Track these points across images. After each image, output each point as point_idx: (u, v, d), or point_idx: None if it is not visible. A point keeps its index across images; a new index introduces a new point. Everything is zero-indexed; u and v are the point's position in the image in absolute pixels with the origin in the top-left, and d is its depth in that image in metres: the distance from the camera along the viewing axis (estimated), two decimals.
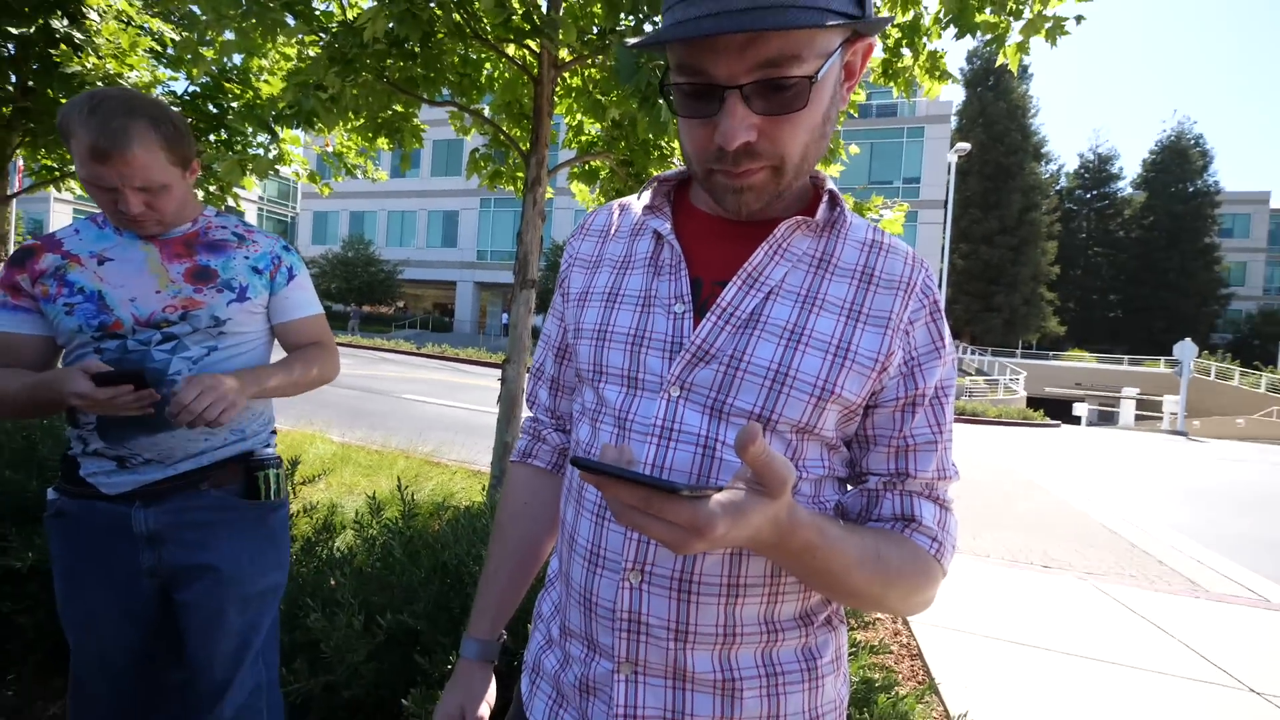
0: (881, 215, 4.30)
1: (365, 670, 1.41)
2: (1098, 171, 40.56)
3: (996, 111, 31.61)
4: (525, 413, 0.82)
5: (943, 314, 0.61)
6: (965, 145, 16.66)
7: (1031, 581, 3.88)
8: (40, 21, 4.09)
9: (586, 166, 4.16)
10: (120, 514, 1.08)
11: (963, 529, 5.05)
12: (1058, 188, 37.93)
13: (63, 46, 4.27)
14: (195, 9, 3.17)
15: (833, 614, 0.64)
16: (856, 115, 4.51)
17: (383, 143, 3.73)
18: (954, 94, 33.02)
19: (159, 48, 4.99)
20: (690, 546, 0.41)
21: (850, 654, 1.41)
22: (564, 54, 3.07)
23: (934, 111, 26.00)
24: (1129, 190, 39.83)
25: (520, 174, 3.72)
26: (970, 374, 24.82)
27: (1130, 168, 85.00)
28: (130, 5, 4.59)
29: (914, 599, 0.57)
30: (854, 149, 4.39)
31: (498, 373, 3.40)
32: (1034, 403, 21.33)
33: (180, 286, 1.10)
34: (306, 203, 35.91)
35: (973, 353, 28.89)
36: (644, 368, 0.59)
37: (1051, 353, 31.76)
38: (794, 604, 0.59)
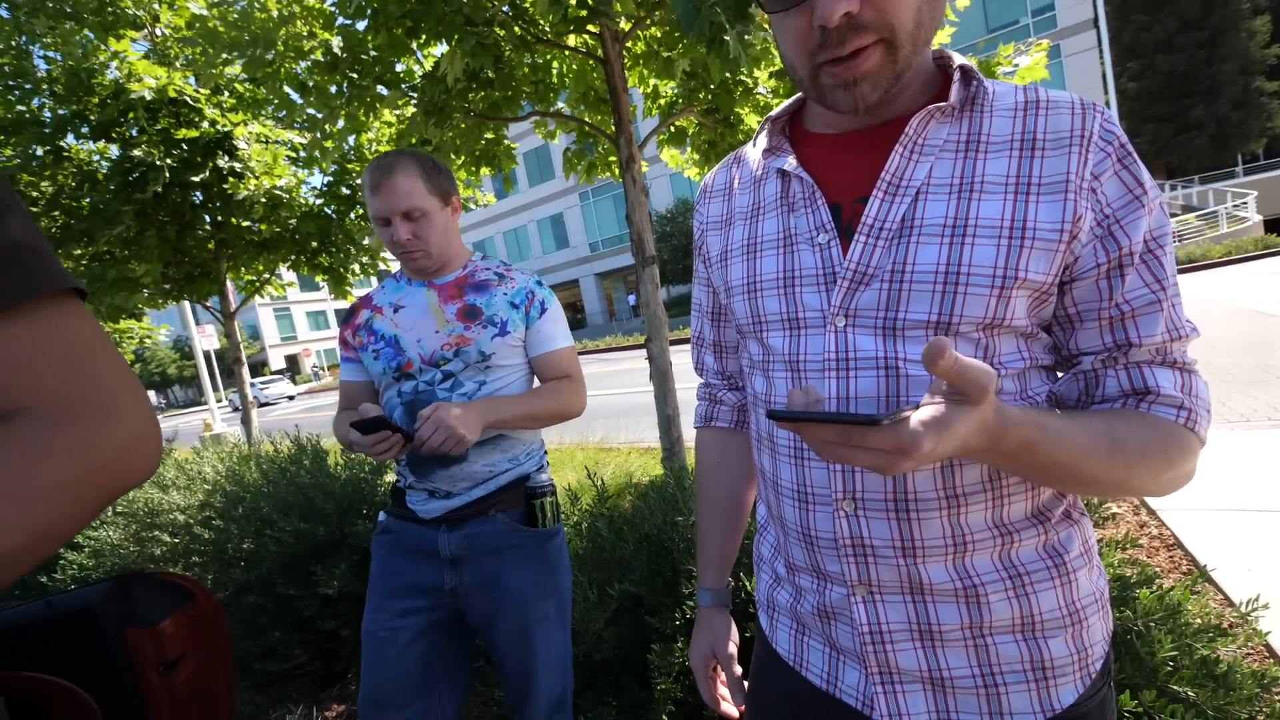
0: (1016, 66, 3.70)
1: (607, 635, 1.59)
2: None
3: None
4: (695, 381, 0.86)
5: (1134, 157, 0.53)
6: None
7: None
8: (212, 165, 4.96)
9: (672, 129, 4.10)
10: (430, 536, 1.23)
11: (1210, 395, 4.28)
12: None
13: (231, 179, 5.15)
14: (312, 111, 3.66)
15: (1070, 507, 0.60)
16: None
17: (486, 170, 4.00)
18: None
19: (292, 153, 5.81)
20: (900, 467, 0.41)
21: None
22: (623, 24, 3.04)
23: None
24: None
25: (613, 158, 3.78)
26: (1176, 214, 20.42)
27: None
28: (264, 126, 5.38)
29: (1166, 475, 0.52)
30: (961, 2, 3.81)
31: (638, 355, 3.53)
32: (1274, 225, 17.09)
33: (454, 325, 1.22)
34: None
35: (1174, 187, 23.47)
36: (802, 306, 0.59)
37: None
38: (1023, 504, 0.56)
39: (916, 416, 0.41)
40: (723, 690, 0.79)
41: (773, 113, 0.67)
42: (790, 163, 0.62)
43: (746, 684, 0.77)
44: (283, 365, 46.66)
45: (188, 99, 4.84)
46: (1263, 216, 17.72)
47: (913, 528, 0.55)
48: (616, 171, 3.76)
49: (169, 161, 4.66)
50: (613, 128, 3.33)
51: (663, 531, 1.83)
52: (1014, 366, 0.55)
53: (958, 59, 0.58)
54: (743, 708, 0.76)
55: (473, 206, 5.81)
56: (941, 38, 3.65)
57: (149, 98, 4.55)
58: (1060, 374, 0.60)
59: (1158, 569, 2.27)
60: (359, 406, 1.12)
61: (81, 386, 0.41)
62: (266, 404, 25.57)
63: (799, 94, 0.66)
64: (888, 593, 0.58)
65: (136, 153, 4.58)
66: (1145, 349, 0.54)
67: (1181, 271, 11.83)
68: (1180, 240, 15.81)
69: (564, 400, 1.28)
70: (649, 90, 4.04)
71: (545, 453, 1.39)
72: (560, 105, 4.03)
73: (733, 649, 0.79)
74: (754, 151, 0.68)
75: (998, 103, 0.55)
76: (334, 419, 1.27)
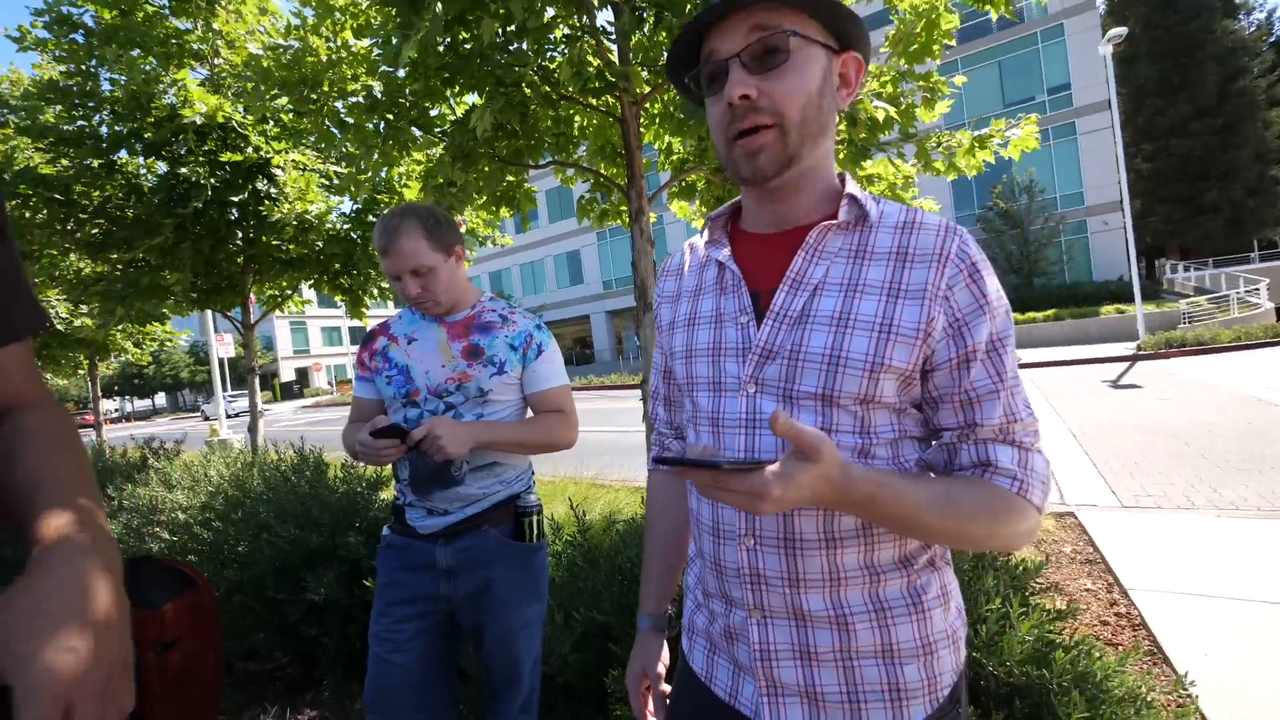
0: (1009, 138, 3.92)
1: (572, 660, 1.67)
2: None
3: None
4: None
5: (983, 273, 0.66)
6: (1121, 30, 13.83)
7: None
8: (251, 187, 5.27)
9: (683, 184, 4.33)
10: (428, 550, 1.37)
11: (1200, 480, 4.31)
12: (1271, 40, 29.64)
13: (267, 201, 5.46)
14: (349, 146, 3.93)
15: (936, 557, 0.72)
16: (955, 44, 4.14)
17: (505, 211, 4.24)
18: None
19: (325, 181, 6.15)
20: (760, 509, 0.54)
21: (1045, 621, 1.35)
22: (640, 91, 3.29)
23: (1070, 3, 22.30)
24: None
25: (624, 208, 4.01)
26: (1188, 295, 20.41)
27: None
28: (304, 155, 5.72)
29: (999, 532, 0.63)
30: (959, 79, 4.07)
31: (640, 393, 3.65)
32: None
33: (458, 362, 1.36)
34: None
35: (1186, 269, 23.53)
36: (724, 373, 0.73)
37: None
38: (891, 550, 0.68)
39: (770, 468, 0.54)
40: (651, 706, 0.89)
41: (713, 213, 0.82)
42: (724, 254, 0.77)
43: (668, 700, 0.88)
44: (293, 377, 47.16)
45: (235, 125, 5.18)
46: (1275, 304, 17.75)
47: (797, 563, 0.67)
48: (625, 221, 3.98)
49: (212, 181, 4.97)
50: (625, 180, 3.55)
51: (634, 565, 1.92)
52: (886, 436, 0.68)
53: (850, 185, 0.73)
54: None
55: (490, 245, 6.06)
56: (942, 109, 3.88)
57: (200, 122, 4.89)
58: (931, 444, 0.72)
59: (1110, 642, 2.31)
60: (374, 418, 1.27)
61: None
62: (235, 415, 26.83)
63: (738, 199, 0.82)
64: (776, 617, 0.69)
65: (183, 171, 4.89)
66: (988, 429, 0.66)
67: (1189, 354, 11.87)
68: (1190, 322, 15.76)
69: (554, 432, 1.42)
70: (664, 146, 4.30)
71: (533, 475, 1.53)
72: (580, 154, 4.30)
73: (662, 669, 0.89)
74: (701, 241, 0.83)
75: (884, 221, 0.70)
76: (344, 429, 1.42)
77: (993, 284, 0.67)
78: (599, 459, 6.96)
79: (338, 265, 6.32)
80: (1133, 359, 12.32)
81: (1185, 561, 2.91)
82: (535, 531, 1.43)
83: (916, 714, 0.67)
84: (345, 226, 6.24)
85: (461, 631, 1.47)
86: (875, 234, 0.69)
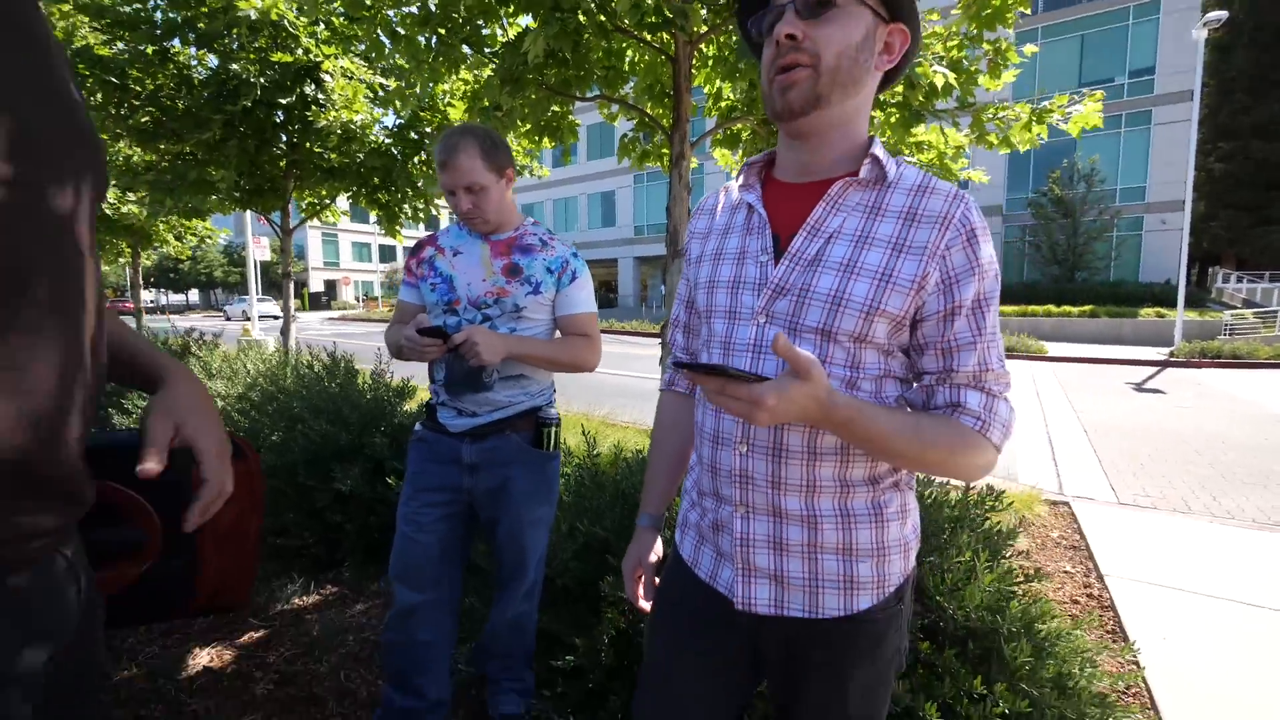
0: (1070, 114, 3.78)
1: (572, 566, 1.84)
2: None
3: None
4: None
5: (979, 239, 0.74)
6: (1220, 14, 12.63)
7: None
8: (299, 90, 5.29)
9: (728, 132, 4.27)
10: (455, 446, 1.52)
11: (1201, 488, 4.35)
12: None
13: (314, 107, 5.48)
14: (398, 58, 3.92)
15: (901, 481, 0.82)
16: (1035, 11, 3.90)
17: (547, 142, 4.23)
18: None
19: (371, 92, 6.12)
20: (756, 417, 0.63)
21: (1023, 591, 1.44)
22: (696, 30, 3.22)
23: None
24: None
25: (666, 150, 3.98)
26: (1235, 306, 19.36)
27: None
28: (352, 64, 5.69)
29: (957, 461, 0.73)
30: (1029, 49, 3.89)
31: (659, 344, 3.75)
32: None
33: (498, 278, 1.48)
34: None
35: (1239, 280, 22.22)
36: (740, 303, 0.82)
37: None
38: (862, 469, 0.78)
39: (769, 382, 0.63)
40: (641, 590, 1.02)
41: (751, 159, 0.88)
42: (755, 198, 0.84)
43: (658, 581, 1.01)
44: (321, 289, 48.01)
45: (287, 25, 5.15)
46: None
47: (782, 469, 0.78)
48: (666, 164, 3.96)
49: (262, 80, 5.00)
50: (670, 123, 3.52)
51: (637, 490, 2.06)
52: (872, 372, 0.77)
53: (875, 146, 0.78)
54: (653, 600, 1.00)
55: (528, 175, 6.05)
56: (1008, 78, 3.73)
57: (254, 17, 4.88)
58: (913, 384, 0.81)
59: (1076, 617, 2.43)
60: (417, 316, 1.38)
61: None
62: (263, 318, 26.83)
63: (773, 149, 0.88)
64: (757, 513, 0.81)
65: (234, 67, 4.92)
66: (962, 375, 0.75)
67: (1222, 366, 11.55)
68: (1231, 335, 15.18)
69: (579, 354, 1.55)
70: (713, 90, 4.21)
71: (555, 392, 1.66)
72: (627, 90, 4.23)
73: (654, 559, 1.03)
74: (735, 184, 0.90)
75: (901, 182, 0.77)
76: (387, 329, 1.54)
77: (987, 249, 0.74)
78: (613, 399, 7.17)
79: (377, 179, 6.37)
80: (1163, 364, 12.03)
81: (1167, 558, 3.00)
82: (552, 441, 1.58)
83: (864, 602, 0.79)
84: (387, 141, 6.26)
85: (477, 524, 1.63)
86: (891, 193, 0.76)
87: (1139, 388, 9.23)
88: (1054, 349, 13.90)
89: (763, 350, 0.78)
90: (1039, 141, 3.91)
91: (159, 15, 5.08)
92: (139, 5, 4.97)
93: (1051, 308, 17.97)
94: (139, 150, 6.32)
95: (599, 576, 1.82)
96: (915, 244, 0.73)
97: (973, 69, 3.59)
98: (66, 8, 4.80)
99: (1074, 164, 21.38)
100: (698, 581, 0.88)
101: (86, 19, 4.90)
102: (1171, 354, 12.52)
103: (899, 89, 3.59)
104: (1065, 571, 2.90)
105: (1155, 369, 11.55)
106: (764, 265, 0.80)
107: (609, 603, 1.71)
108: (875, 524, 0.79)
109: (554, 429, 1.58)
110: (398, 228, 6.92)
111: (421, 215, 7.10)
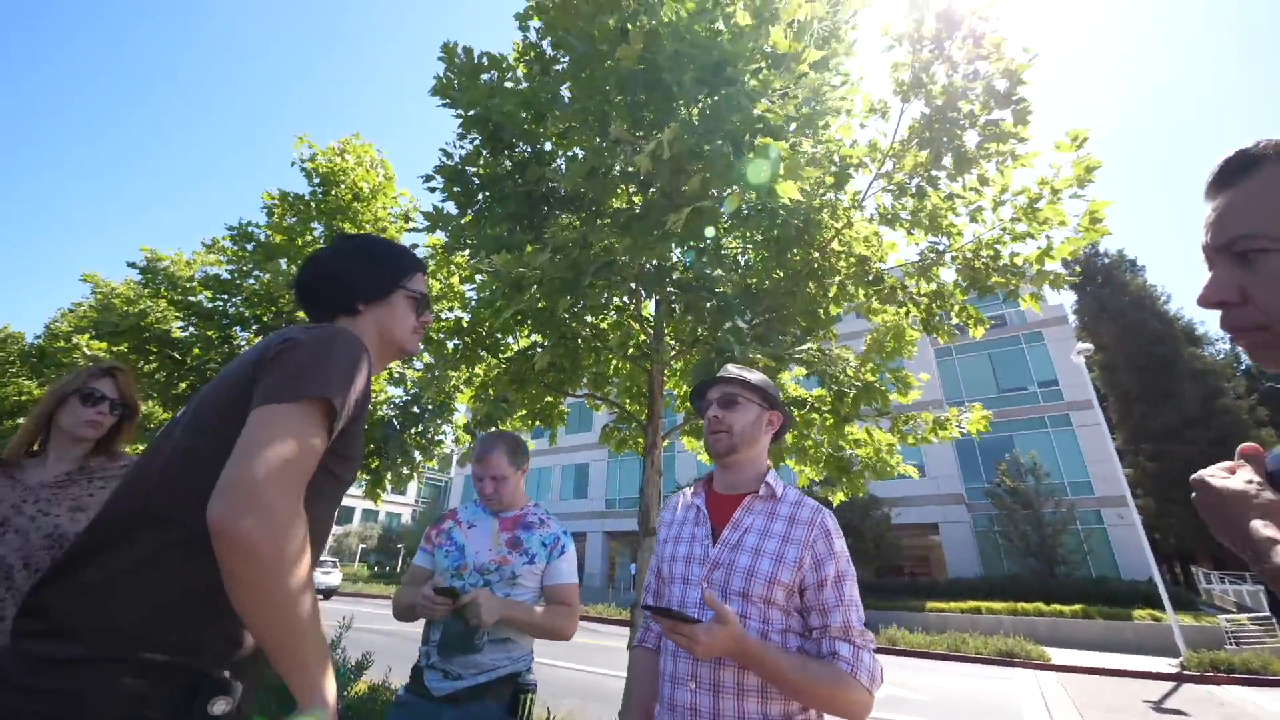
0: (962, 420, 4.64)
1: None
2: None
3: (1119, 305, 27.94)
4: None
5: (833, 536, 1.18)
6: (1087, 346, 15.28)
7: None
8: None
9: (693, 425, 5.07)
10: (436, 712, 1.65)
11: None
12: (1241, 368, 30.13)
13: None
14: (427, 356, 4.84)
15: (811, 716, 1.10)
16: (944, 341, 5.01)
17: (539, 424, 4.94)
18: (1065, 296, 30.42)
19: (387, 370, 7.12)
20: (694, 648, 0.99)
21: None
22: (668, 355, 4.20)
23: (1047, 315, 24.58)
24: None
25: (641, 439, 4.68)
26: (1229, 610, 17.77)
27: None
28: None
29: (838, 696, 1.04)
30: (924, 376, 4.95)
31: (628, 632, 3.83)
32: None
33: (501, 548, 1.80)
34: (459, 470, 40.69)
35: (1223, 580, 20.96)
36: (690, 573, 1.22)
37: None
38: (779, 705, 1.08)
39: (703, 624, 1.00)
40: None
41: (698, 477, 1.39)
42: (700, 502, 1.31)
43: None
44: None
45: None
46: None
47: (720, 703, 1.07)
48: (641, 450, 4.62)
49: None
50: (645, 417, 4.28)
51: None
52: (778, 626, 1.13)
53: (769, 475, 1.29)
54: None
55: None
56: (915, 395, 4.68)
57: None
58: (807, 637, 1.16)
59: None
60: (433, 579, 1.68)
61: None
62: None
63: (712, 469, 1.40)
64: None
65: None
66: (834, 629, 1.11)
67: (1239, 682, 10.40)
68: (1237, 644, 13.84)
69: (560, 622, 1.80)
70: (681, 392, 5.14)
71: (533, 659, 1.85)
72: (611, 389, 5.14)
73: None
74: (689, 492, 1.38)
75: (785, 497, 1.25)
76: (398, 590, 1.81)
77: (839, 543, 1.19)
78: (570, 700, 6.10)
79: (372, 445, 6.94)
80: (1178, 679, 10.98)
81: None
82: (527, 711, 1.72)
83: None
84: (391, 413, 7.02)
85: None
86: (780, 504, 1.25)
87: (1158, 706, 8.38)
88: (1056, 655, 12.89)
89: (705, 606, 1.15)
90: (951, 439, 4.72)
91: (231, 310, 6.23)
92: (221, 301, 6.14)
93: (1041, 605, 16.77)
94: (160, 408, 6.94)
95: None
96: (795, 537, 1.18)
97: (881, 388, 4.57)
98: (162, 304, 5.90)
99: (1016, 457, 22.10)
100: None
101: (174, 311, 5.97)
102: (1183, 666, 11.41)
103: (829, 400, 4.51)
104: None
105: (1171, 684, 10.54)
106: (705, 546, 1.23)
107: None
108: None
109: (530, 696, 1.74)
110: (379, 492, 7.24)
111: (406, 480, 7.48)
